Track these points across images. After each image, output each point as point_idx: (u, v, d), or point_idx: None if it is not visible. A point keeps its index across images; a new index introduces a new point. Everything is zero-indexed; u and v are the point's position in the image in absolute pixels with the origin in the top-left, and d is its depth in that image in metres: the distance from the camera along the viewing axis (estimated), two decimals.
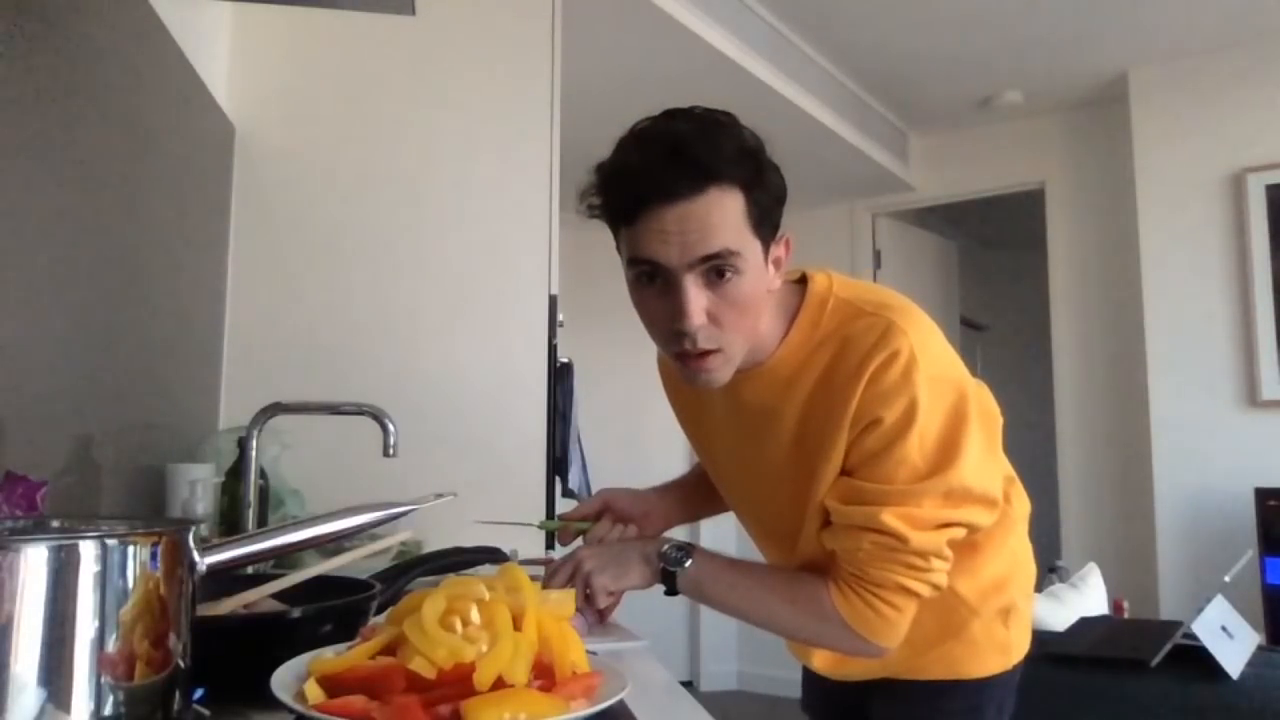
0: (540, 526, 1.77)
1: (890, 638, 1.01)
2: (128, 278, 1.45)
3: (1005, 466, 1.15)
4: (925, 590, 0.99)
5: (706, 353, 0.95)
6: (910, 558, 0.96)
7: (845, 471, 0.99)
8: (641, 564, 1.09)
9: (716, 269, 0.91)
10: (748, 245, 0.92)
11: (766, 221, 0.95)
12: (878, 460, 0.96)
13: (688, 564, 1.07)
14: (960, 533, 0.99)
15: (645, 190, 0.90)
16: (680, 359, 0.97)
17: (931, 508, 0.95)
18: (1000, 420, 1.11)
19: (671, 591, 1.09)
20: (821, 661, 1.23)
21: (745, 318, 0.95)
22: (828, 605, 1.01)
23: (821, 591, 1.02)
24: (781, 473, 1.06)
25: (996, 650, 1.15)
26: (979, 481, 0.97)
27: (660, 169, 0.89)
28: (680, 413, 1.24)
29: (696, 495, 1.32)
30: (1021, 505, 1.20)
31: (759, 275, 0.95)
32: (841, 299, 1.02)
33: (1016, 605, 1.16)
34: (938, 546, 0.97)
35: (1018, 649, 1.17)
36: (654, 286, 0.94)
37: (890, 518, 0.94)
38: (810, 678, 1.34)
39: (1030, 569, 1.21)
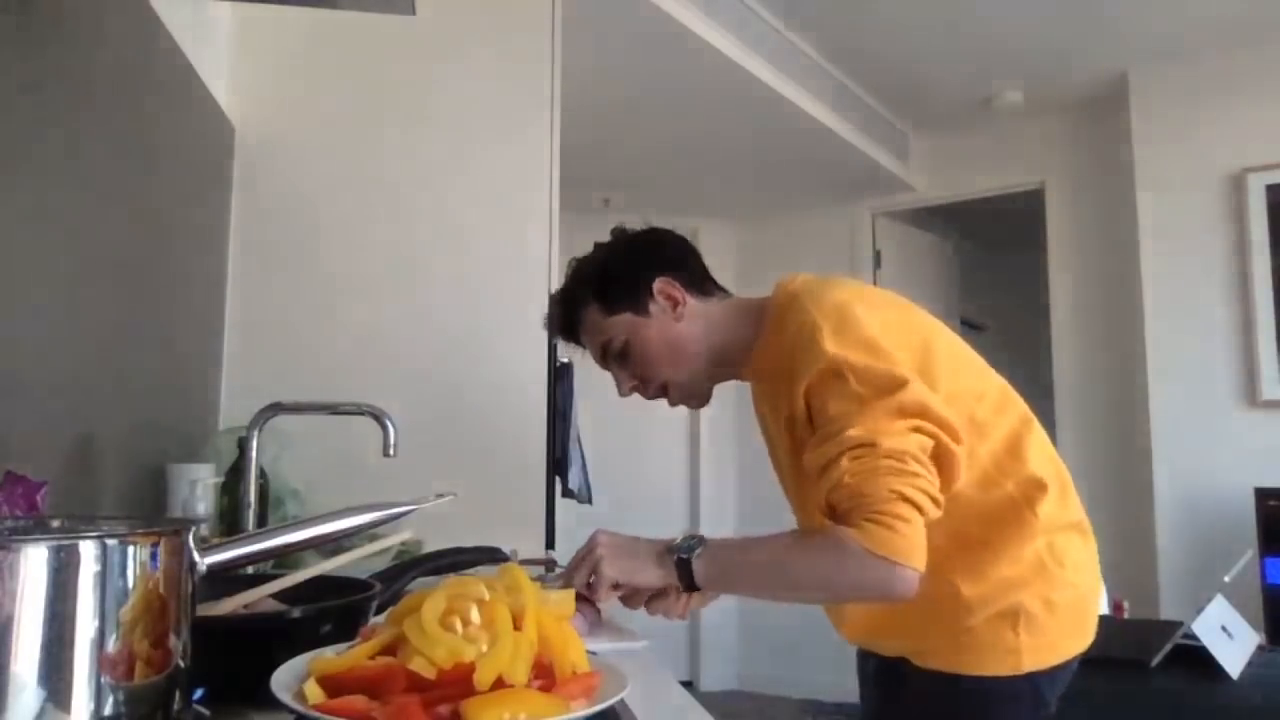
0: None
1: (910, 553, 1.00)
2: (127, 277, 1.45)
3: (1060, 472, 1.21)
4: (921, 498, 1.01)
5: (664, 395, 1.26)
6: (886, 461, 1.01)
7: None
8: (654, 560, 1.10)
9: (613, 353, 1.26)
10: (614, 326, 1.25)
11: (621, 297, 1.24)
12: (825, 406, 1.07)
13: (699, 550, 1.08)
14: (928, 442, 1.05)
15: (556, 336, 1.37)
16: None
17: (888, 419, 1.03)
18: (974, 359, 1.32)
19: (690, 586, 1.09)
20: (850, 630, 1.28)
21: (659, 361, 1.24)
22: (843, 538, 1.02)
23: (834, 532, 1.04)
24: (785, 461, 1.23)
25: (1002, 651, 1.13)
26: (934, 402, 1.06)
27: (554, 322, 1.35)
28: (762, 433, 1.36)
29: None
30: (1057, 514, 1.16)
31: (646, 327, 1.24)
32: (791, 294, 1.19)
33: (1026, 609, 1.12)
34: (907, 446, 1.03)
35: (1030, 654, 1.13)
36: None
37: (854, 431, 1.03)
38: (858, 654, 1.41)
39: (1060, 579, 1.15)
